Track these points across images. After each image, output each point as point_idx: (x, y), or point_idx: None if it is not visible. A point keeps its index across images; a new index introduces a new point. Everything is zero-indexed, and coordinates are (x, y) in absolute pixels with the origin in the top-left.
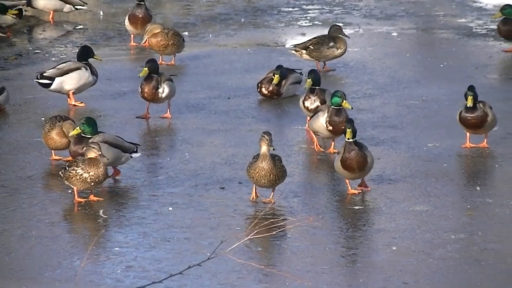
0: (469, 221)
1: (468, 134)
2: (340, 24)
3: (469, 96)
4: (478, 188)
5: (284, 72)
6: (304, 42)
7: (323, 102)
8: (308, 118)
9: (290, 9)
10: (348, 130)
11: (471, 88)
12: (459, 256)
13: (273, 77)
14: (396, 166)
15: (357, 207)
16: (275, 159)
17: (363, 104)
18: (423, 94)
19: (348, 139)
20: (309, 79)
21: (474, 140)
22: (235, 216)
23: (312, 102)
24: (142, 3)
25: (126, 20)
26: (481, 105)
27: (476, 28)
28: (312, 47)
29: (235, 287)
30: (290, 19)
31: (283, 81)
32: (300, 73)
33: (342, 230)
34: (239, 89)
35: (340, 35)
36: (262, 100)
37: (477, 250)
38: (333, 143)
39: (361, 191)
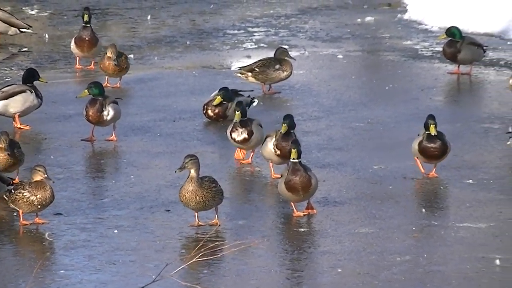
0: (414, 243)
1: (419, 161)
2: (286, 47)
3: (431, 125)
4: (423, 210)
5: (228, 94)
6: (250, 64)
7: (250, 133)
8: (237, 150)
9: (236, 31)
10: (293, 150)
11: (432, 117)
12: (404, 278)
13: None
14: (342, 188)
15: (302, 229)
16: (204, 180)
17: (308, 126)
18: (368, 116)
19: (293, 159)
20: (237, 111)
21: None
22: (181, 238)
23: (239, 134)
24: (88, 25)
25: (72, 43)
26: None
27: (421, 50)
28: (257, 70)
29: None
30: (236, 41)
31: (229, 104)
32: (249, 96)
33: (288, 253)
34: (184, 111)
35: (286, 58)
36: (207, 123)
37: (422, 272)
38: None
39: (307, 213)
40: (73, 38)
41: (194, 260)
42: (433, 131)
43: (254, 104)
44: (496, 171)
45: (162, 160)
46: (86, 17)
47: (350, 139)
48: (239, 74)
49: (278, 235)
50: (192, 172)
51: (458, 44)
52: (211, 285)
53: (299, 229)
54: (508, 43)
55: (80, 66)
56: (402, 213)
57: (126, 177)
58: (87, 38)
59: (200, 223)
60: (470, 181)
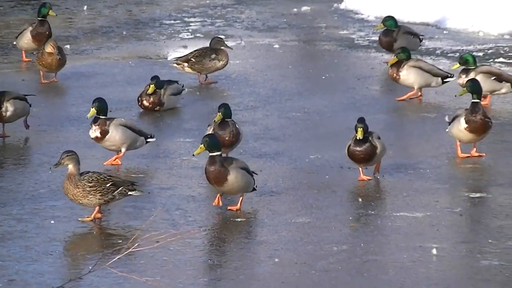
0: (351, 232)
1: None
2: (222, 36)
3: (359, 128)
4: (360, 199)
5: (160, 82)
6: (186, 55)
7: (104, 132)
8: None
9: (172, 21)
10: (201, 145)
11: (361, 120)
12: (341, 268)
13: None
14: (279, 178)
15: (239, 219)
16: (83, 177)
17: (245, 116)
18: (305, 106)
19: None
20: (92, 108)
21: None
22: (117, 228)
23: (93, 132)
24: (46, 19)
25: (28, 37)
26: (370, 137)
27: (358, 40)
28: (193, 60)
29: None
30: (172, 31)
31: (163, 91)
32: (181, 85)
33: (225, 243)
34: (121, 102)
35: (221, 47)
36: (143, 113)
37: (359, 262)
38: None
39: (236, 209)
40: (29, 32)
41: (130, 250)
42: (359, 135)
43: (185, 91)
44: (433, 160)
45: (98, 151)
46: (45, 11)
47: (287, 128)
48: (175, 65)
49: (215, 225)
50: (70, 167)
51: (394, 33)
52: (148, 275)
53: (236, 219)
54: (445, 32)
55: (27, 59)
56: (338, 202)
57: (62, 167)
58: (47, 32)
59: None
60: (407, 170)
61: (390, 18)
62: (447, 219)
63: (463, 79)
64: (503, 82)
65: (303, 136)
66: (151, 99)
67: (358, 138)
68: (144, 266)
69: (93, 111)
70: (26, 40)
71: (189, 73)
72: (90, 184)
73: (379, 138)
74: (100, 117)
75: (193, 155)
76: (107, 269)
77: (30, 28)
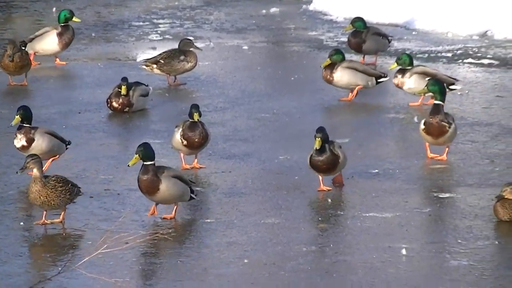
0: (320, 233)
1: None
2: (191, 38)
3: (317, 138)
4: (329, 200)
5: (129, 83)
6: (155, 56)
7: (30, 141)
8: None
9: (141, 23)
10: (135, 155)
11: (319, 130)
12: (311, 269)
13: (119, 90)
14: (248, 179)
15: (208, 220)
16: (50, 179)
17: (214, 117)
18: (274, 107)
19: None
20: (17, 115)
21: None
22: (86, 230)
23: (18, 141)
24: (68, 24)
25: (53, 41)
26: (330, 146)
27: (327, 41)
28: (162, 61)
29: None
30: (141, 33)
31: (132, 92)
32: (147, 85)
33: (194, 243)
34: (90, 103)
35: (190, 49)
36: (112, 115)
37: (328, 262)
38: (196, 159)
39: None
40: (53, 36)
41: (99, 251)
42: (316, 145)
43: (151, 90)
44: (402, 161)
45: (68, 152)
46: (68, 16)
47: (256, 130)
48: (144, 66)
49: (184, 226)
50: (35, 171)
51: (363, 34)
52: (117, 276)
53: (206, 220)
54: (413, 33)
55: (36, 62)
56: (308, 203)
57: (31, 169)
58: (72, 37)
59: (46, 221)
60: (376, 170)
61: (359, 19)
62: (416, 219)
63: (399, 79)
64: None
65: (272, 137)
66: (120, 100)
67: (315, 148)
68: (114, 267)
69: (17, 118)
70: (48, 44)
71: (158, 75)
72: (60, 184)
73: (340, 147)
74: (25, 125)
75: (129, 165)
76: (77, 270)
77: (55, 32)
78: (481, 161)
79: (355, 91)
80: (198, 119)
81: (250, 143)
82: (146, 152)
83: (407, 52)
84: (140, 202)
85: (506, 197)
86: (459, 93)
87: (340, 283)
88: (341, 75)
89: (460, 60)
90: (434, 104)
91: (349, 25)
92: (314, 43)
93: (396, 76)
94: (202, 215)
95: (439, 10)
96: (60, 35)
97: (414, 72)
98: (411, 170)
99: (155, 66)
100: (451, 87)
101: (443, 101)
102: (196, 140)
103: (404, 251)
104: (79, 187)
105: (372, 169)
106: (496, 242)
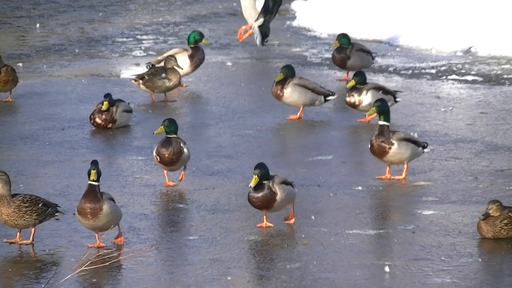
0: (304, 250)
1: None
2: (174, 56)
3: (254, 176)
4: (313, 217)
5: (112, 99)
6: (144, 72)
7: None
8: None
9: (125, 39)
10: (92, 171)
11: (258, 166)
12: (294, 286)
13: (101, 106)
14: (231, 196)
15: (192, 237)
16: (16, 198)
17: (197, 134)
18: (257, 124)
19: (92, 180)
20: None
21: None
22: (70, 247)
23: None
24: (198, 45)
25: (185, 62)
26: (270, 183)
27: (310, 57)
28: (146, 77)
29: None
30: (125, 49)
31: (115, 108)
32: (129, 103)
33: (177, 261)
34: (73, 120)
35: (173, 66)
36: (96, 131)
37: (311, 279)
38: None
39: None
40: (185, 57)
41: (82, 268)
42: (252, 183)
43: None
44: (386, 178)
45: (51, 169)
46: (197, 38)
47: (239, 146)
48: (133, 81)
49: (168, 243)
50: (0, 188)
51: (347, 50)
52: None
53: (189, 237)
54: (397, 49)
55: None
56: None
57: (15, 185)
58: (203, 58)
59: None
60: (359, 187)
61: (344, 36)
62: (400, 236)
63: (355, 98)
64: (388, 95)
65: (255, 154)
66: (104, 116)
67: (249, 186)
68: (97, 284)
69: None
70: (181, 65)
71: (144, 91)
72: (25, 205)
73: (284, 183)
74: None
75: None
76: (60, 287)
77: (186, 54)
78: (465, 178)
79: (301, 110)
80: (174, 136)
81: (234, 159)
82: (99, 171)
83: (391, 68)
84: (123, 219)
85: (491, 214)
86: (443, 109)
87: None
88: (291, 92)
89: (444, 77)
90: (379, 125)
91: (335, 41)
92: (297, 59)
93: (352, 95)
94: (185, 232)
95: (423, 27)
96: (191, 57)
97: (369, 88)
98: (394, 187)
99: (141, 81)
100: (396, 99)
101: (388, 121)
102: (166, 155)
103: (387, 268)
104: (57, 206)
105: (356, 186)
106: (480, 260)
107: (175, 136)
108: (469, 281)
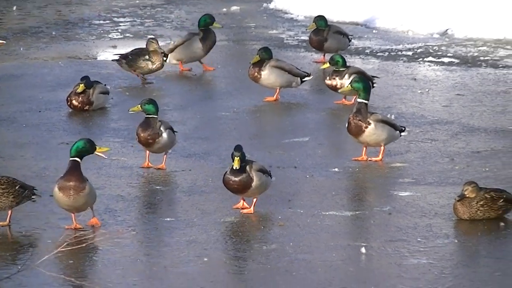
0: (280, 231)
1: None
2: (167, 43)
3: (235, 158)
4: (289, 199)
5: (89, 81)
6: (127, 52)
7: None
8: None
9: (101, 21)
10: (80, 145)
11: (238, 148)
12: (271, 267)
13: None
14: (208, 178)
15: (168, 219)
16: None
17: (174, 116)
18: (234, 106)
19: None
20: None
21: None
22: (46, 229)
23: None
24: (209, 28)
25: (198, 47)
26: (248, 167)
27: (287, 39)
28: (130, 57)
29: None
30: (101, 31)
31: (92, 90)
32: (105, 84)
33: (153, 242)
34: (50, 102)
35: (154, 49)
36: (73, 113)
37: (288, 261)
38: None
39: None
40: (197, 42)
41: (59, 249)
42: (236, 165)
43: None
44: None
45: (28, 151)
46: (208, 21)
47: (216, 128)
48: (116, 60)
49: (144, 224)
50: None
51: (324, 32)
52: (77, 275)
53: (166, 219)
54: (374, 31)
55: (185, 69)
56: (268, 201)
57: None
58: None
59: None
60: (336, 169)
61: (321, 18)
62: (376, 217)
63: (337, 81)
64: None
65: (232, 136)
66: (80, 98)
67: (234, 168)
68: (73, 265)
69: None
70: (194, 51)
71: (127, 71)
72: (2, 187)
73: (261, 170)
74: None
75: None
76: (36, 268)
77: (197, 38)
78: (441, 159)
79: (277, 91)
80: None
81: (211, 141)
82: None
83: (367, 50)
84: (100, 200)
85: (467, 195)
86: (419, 91)
87: (299, 281)
88: (268, 74)
89: (421, 59)
90: (358, 102)
91: (312, 24)
92: (274, 41)
93: (333, 78)
94: (162, 214)
95: (400, 9)
96: (203, 40)
97: (351, 72)
98: (371, 168)
99: (124, 61)
100: (374, 85)
101: (367, 99)
102: (142, 135)
103: (363, 250)
104: (34, 189)
105: (332, 167)
106: (456, 241)
107: (155, 117)
108: (445, 262)
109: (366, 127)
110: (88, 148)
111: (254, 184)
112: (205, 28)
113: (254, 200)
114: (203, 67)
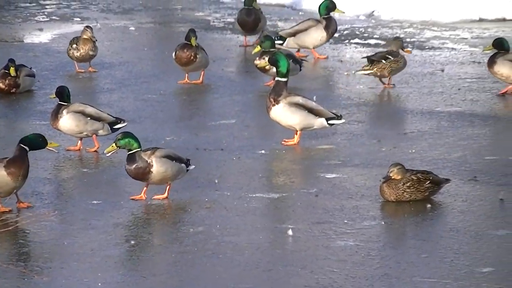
0: (207, 214)
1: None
2: (93, 25)
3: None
4: (216, 181)
5: (17, 65)
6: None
7: None
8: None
9: (28, 4)
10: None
11: (121, 133)
12: (197, 249)
13: (6, 71)
14: None
15: (95, 202)
16: None
17: (101, 99)
18: (160, 88)
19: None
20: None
21: None
22: None
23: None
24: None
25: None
26: (142, 154)
27: (213, 22)
28: (69, 46)
29: None
30: (28, 14)
31: (18, 73)
32: (30, 67)
33: (80, 225)
34: None
35: (88, 37)
36: None
37: (215, 243)
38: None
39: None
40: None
41: None
42: (105, 150)
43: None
44: (288, 141)
45: None
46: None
47: (143, 111)
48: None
49: (72, 207)
50: None
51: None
52: (3, 259)
53: (93, 202)
54: (300, 13)
55: None
56: (194, 184)
57: None
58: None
59: None
60: (262, 151)
61: (248, 1)
62: (303, 199)
63: (259, 61)
64: (296, 64)
65: (159, 118)
66: (7, 81)
67: (104, 153)
68: None
69: None
70: (316, 38)
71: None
72: None
73: (168, 157)
74: None
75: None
76: None
77: (321, 26)
78: (368, 141)
79: (202, 74)
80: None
81: (137, 124)
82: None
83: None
84: (27, 183)
85: (393, 177)
86: (345, 73)
87: (226, 263)
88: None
89: (347, 40)
90: (276, 80)
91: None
92: (201, 23)
93: (263, 58)
94: (88, 196)
95: None
96: (327, 28)
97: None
98: (297, 150)
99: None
100: (301, 68)
101: (282, 77)
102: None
103: (290, 232)
104: None
105: (259, 149)
106: (382, 223)
107: (64, 104)
108: (372, 244)
109: (274, 105)
110: (40, 143)
111: (154, 170)
112: (327, 16)
113: (167, 186)
114: (313, 54)
